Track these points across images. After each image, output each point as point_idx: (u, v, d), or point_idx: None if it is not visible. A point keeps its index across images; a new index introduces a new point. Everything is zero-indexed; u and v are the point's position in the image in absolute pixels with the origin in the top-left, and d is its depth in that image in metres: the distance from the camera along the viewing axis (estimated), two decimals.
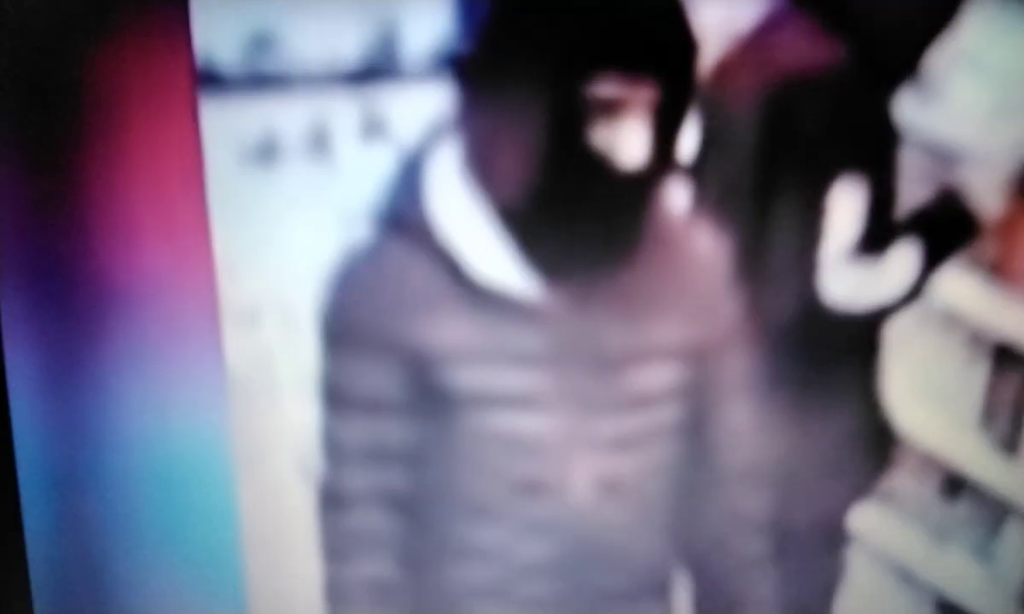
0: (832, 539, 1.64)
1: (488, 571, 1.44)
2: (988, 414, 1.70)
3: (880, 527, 1.73)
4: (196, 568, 1.46)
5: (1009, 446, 1.69)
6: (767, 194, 1.44)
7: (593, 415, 1.39)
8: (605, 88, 1.27)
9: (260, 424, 1.44)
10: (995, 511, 1.73)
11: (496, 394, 1.38)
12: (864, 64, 1.43)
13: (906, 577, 1.73)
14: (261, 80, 1.30)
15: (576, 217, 1.32)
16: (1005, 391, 1.69)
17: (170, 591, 1.47)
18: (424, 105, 1.31)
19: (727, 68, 1.40)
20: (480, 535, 1.43)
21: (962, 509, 1.76)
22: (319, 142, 1.33)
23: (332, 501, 1.43)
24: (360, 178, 1.33)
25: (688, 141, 1.36)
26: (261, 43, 1.29)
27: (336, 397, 1.39)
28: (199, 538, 1.46)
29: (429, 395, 1.38)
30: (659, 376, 1.40)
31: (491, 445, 1.39)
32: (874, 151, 1.46)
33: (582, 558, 1.44)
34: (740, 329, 1.44)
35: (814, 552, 1.61)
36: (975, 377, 1.67)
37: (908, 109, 1.45)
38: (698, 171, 1.39)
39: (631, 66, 1.27)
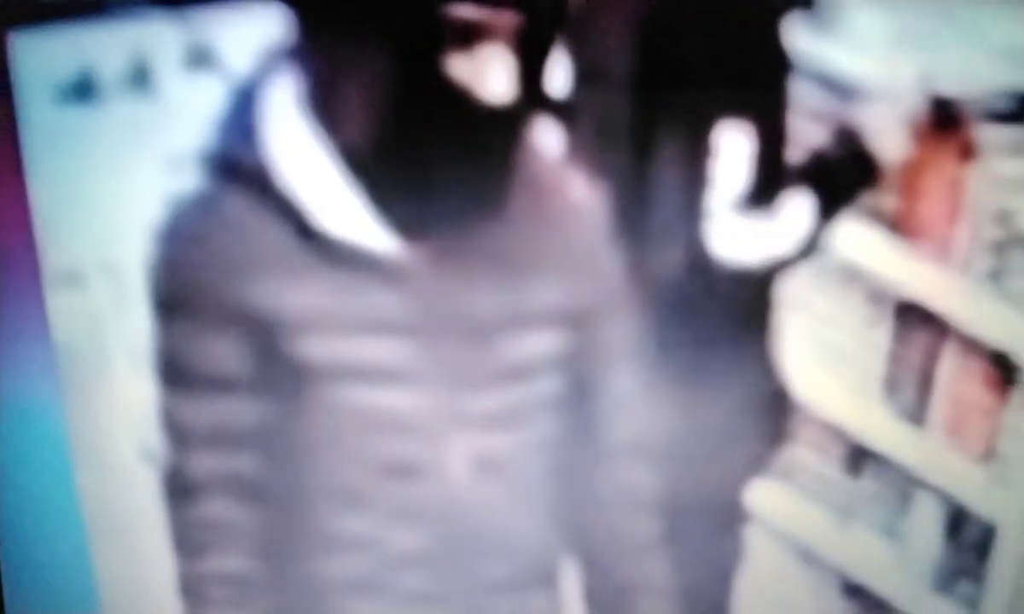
0: (729, 518, 1.54)
1: (358, 563, 1.30)
2: (892, 380, 1.63)
3: (780, 505, 1.65)
4: (41, 561, 1.31)
5: (915, 416, 1.62)
6: (647, 135, 1.30)
7: (465, 388, 1.24)
8: (462, 10, 1.12)
9: (95, 403, 1.25)
10: (902, 486, 1.66)
11: (355, 366, 1.21)
12: None
13: (809, 557, 1.65)
14: (74, 5, 1.13)
15: (434, 162, 1.15)
16: (910, 355, 1.61)
17: (15, 590, 1.32)
18: (256, 31, 1.15)
19: None
20: (346, 524, 1.27)
21: (867, 484, 1.68)
22: (141, 76, 1.16)
23: (178, 490, 1.26)
24: (188, 116, 1.16)
25: (558, 74, 1.20)
26: None
27: (174, 372, 1.21)
28: (41, 528, 1.31)
29: (280, 369, 1.21)
30: (536, 343, 1.25)
31: (353, 424, 1.23)
32: (764, 86, 1.32)
33: (461, 546, 1.30)
34: (622, 289, 1.29)
35: (710, 533, 1.50)
36: (877, 339, 1.59)
37: (801, 38, 1.31)
38: (570, 109, 1.27)
39: None
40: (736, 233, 1.41)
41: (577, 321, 1.28)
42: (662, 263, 1.38)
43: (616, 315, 1.31)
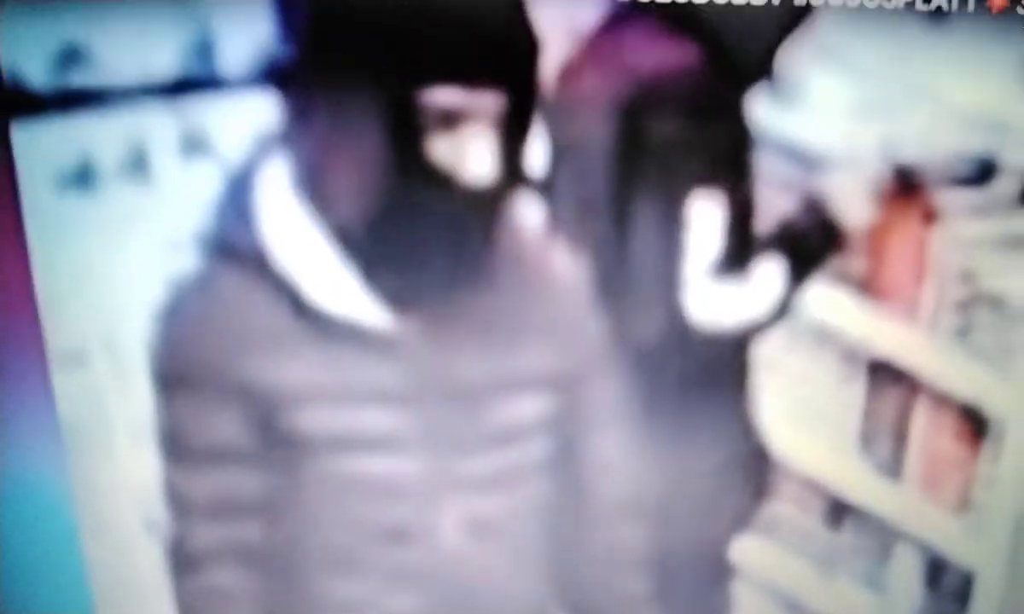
0: (716, 572, 1.53)
1: None
2: (867, 436, 1.62)
3: (764, 558, 1.64)
4: None
5: (891, 469, 1.61)
6: (624, 208, 1.30)
7: (457, 454, 1.23)
8: (443, 97, 1.11)
9: (100, 477, 1.25)
10: (882, 537, 1.65)
11: (351, 436, 1.21)
12: (717, 66, 1.30)
13: (794, 609, 1.65)
14: (72, 97, 1.15)
15: (422, 238, 1.15)
16: (884, 411, 1.60)
17: None
18: (248, 118, 1.16)
19: (573, 72, 1.28)
20: (344, 589, 1.26)
21: (848, 537, 1.67)
22: (137, 163, 1.16)
23: (182, 560, 1.25)
24: (184, 200, 1.17)
25: (537, 153, 1.21)
26: (70, 56, 1.13)
27: (175, 445, 1.21)
28: (48, 598, 1.30)
29: (277, 441, 1.20)
30: (524, 408, 1.25)
31: (350, 492, 1.23)
32: (732, 159, 1.33)
33: (455, 607, 1.28)
34: (605, 354, 1.30)
35: (698, 587, 1.49)
36: (852, 397, 1.58)
37: (765, 112, 1.32)
38: (550, 186, 1.27)
39: (469, 72, 1.10)
40: (712, 298, 1.40)
41: (563, 385, 1.27)
42: (642, 329, 1.38)
43: (600, 379, 1.31)
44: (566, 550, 1.34)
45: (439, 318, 1.21)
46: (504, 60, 1.14)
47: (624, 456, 1.34)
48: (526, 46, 1.15)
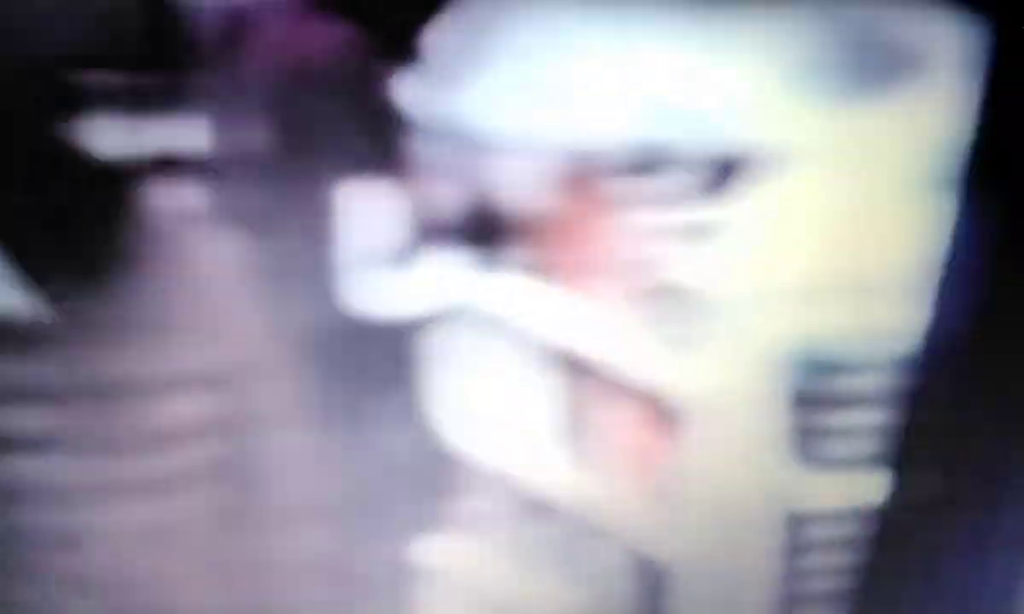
0: (402, 575, 1.57)
1: None
2: (557, 428, 1.65)
3: (456, 558, 1.66)
4: None
5: (582, 462, 1.64)
6: (279, 195, 1.28)
7: (116, 455, 1.20)
8: (73, 76, 1.11)
9: None
10: (576, 532, 1.68)
11: (1, 437, 1.18)
12: (371, 49, 1.30)
13: (491, 608, 1.68)
14: None
15: (58, 224, 1.14)
16: (572, 403, 1.63)
17: None
18: None
19: (219, 52, 1.28)
20: (16, 596, 1.23)
21: (542, 532, 1.70)
22: None
23: None
24: None
25: (183, 134, 1.20)
26: None
27: None
28: None
29: None
30: (183, 407, 1.23)
31: (7, 497, 1.20)
32: (389, 144, 1.33)
33: None
34: (267, 348, 1.28)
35: (383, 590, 1.54)
36: (538, 389, 1.61)
37: (423, 97, 1.33)
38: (202, 170, 1.26)
39: (99, 49, 1.12)
40: (375, 289, 1.41)
41: (221, 383, 1.26)
42: (305, 321, 1.37)
43: (266, 376, 1.30)
44: (242, 556, 1.32)
45: (85, 312, 1.18)
46: (137, 38, 1.12)
47: (297, 457, 1.33)
48: (161, 24, 1.13)
